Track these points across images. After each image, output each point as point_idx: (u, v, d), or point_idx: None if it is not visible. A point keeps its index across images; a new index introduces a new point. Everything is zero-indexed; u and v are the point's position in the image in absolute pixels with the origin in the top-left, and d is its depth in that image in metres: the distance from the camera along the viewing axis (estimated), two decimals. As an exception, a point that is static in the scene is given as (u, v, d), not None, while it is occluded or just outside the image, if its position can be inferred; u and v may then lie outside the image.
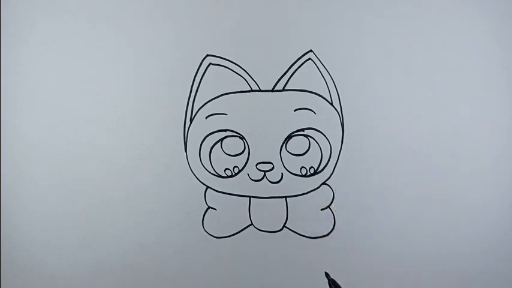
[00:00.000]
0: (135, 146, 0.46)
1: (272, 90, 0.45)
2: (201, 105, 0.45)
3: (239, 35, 0.46)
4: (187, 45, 0.46)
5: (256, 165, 0.45)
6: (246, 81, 0.45)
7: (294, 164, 0.45)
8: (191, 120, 0.46)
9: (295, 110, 0.45)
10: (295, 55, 0.45)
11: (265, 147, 0.45)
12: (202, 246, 0.46)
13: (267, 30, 0.45)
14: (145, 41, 0.46)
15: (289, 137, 0.45)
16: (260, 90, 0.45)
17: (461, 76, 0.45)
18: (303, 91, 0.45)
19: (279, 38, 0.45)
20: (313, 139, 0.45)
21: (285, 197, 0.46)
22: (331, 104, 0.45)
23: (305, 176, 0.45)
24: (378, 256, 0.46)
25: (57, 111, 0.46)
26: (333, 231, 0.46)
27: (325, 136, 0.45)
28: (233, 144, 0.45)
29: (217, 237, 0.46)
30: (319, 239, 0.46)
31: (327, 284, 0.38)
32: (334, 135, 0.45)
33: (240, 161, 0.45)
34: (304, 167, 0.45)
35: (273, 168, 0.45)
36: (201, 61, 0.46)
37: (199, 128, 0.45)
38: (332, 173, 0.46)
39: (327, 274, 0.39)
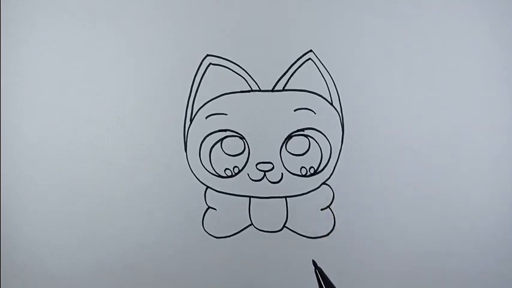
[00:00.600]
0: (135, 146, 0.46)
1: (272, 90, 0.45)
2: (201, 105, 0.45)
3: (239, 35, 0.46)
4: (187, 45, 0.46)
5: (256, 165, 0.45)
6: (246, 81, 0.45)
7: (294, 164, 0.45)
8: (191, 120, 0.46)
9: (295, 110, 0.45)
10: (295, 55, 0.45)
11: (265, 147, 0.45)
12: (202, 246, 0.46)
13: (267, 30, 0.46)
14: (145, 41, 0.46)
15: (289, 137, 0.45)
16: (260, 90, 0.45)
17: (461, 76, 0.45)
18: (303, 91, 0.45)
19: (279, 38, 0.45)
20: (313, 139, 0.45)
21: (285, 197, 0.46)
22: (331, 104, 0.45)
23: (305, 176, 0.45)
24: (378, 256, 0.46)
25: (57, 111, 0.46)
26: (333, 231, 0.46)
27: (325, 136, 0.45)
28: (233, 144, 0.45)
29: (217, 237, 0.46)
30: (319, 239, 0.46)
31: (314, 272, 0.38)
32: (334, 135, 0.45)
33: (240, 161, 0.45)
34: (304, 167, 0.45)
35: (273, 168, 0.45)
36: (201, 61, 0.46)
37: (199, 128, 0.46)
38: (332, 173, 0.46)
39: (314, 263, 0.39)
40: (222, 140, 0.45)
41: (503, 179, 0.46)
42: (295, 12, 0.46)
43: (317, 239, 0.46)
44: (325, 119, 0.45)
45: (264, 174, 0.45)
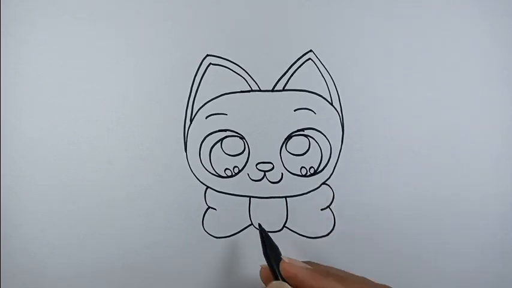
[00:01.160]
0: (135, 146, 0.46)
1: (272, 90, 0.45)
2: (201, 105, 0.45)
3: (239, 35, 0.46)
4: (187, 45, 0.46)
5: (256, 165, 0.45)
6: (246, 81, 0.45)
7: (294, 164, 0.45)
8: (191, 120, 0.46)
9: (295, 110, 0.45)
10: (295, 55, 0.45)
11: (265, 147, 0.45)
12: (202, 246, 0.46)
13: (267, 30, 0.46)
14: (145, 41, 0.46)
15: (289, 137, 0.45)
16: (260, 90, 0.45)
17: (461, 76, 0.45)
18: (303, 91, 0.45)
19: (279, 38, 0.45)
20: (313, 139, 0.45)
21: (285, 197, 0.46)
22: (331, 104, 0.45)
23: (305, 176, 0.45)
24: (378, 256, 0.46)
25: (57, 111, 0.46)
26: (333, 231, 0.46)
27: (325, 136, 0.45)
28: (233, 144, 0.45)
29: (217, 237, 0.46)
30: (319, 239, 0.46)
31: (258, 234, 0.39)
32: (334, 135, 0.45)
33: (240, 161, 0.45)
34: (304, 167, 0.45)
35: (273, 168, 0.45)
36: (201, 61, 0.46)
37: (199, 128, 0.46)
38: (332, 173, 0.46)
39: (260, 225, 0.40)
40: (222, 140, 0.45)
41: (503, 179, 0.46)
42: (295, 12, 0.46)
43: (317, 239, 0.46)
44: (325, 119, 0.45)
45: (264, 174, 0.45)
